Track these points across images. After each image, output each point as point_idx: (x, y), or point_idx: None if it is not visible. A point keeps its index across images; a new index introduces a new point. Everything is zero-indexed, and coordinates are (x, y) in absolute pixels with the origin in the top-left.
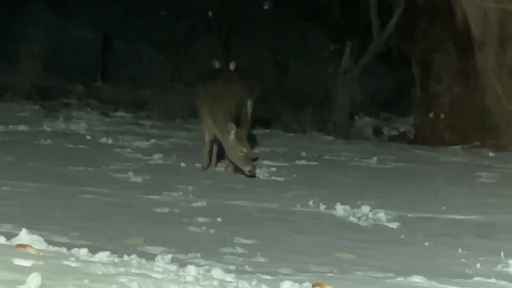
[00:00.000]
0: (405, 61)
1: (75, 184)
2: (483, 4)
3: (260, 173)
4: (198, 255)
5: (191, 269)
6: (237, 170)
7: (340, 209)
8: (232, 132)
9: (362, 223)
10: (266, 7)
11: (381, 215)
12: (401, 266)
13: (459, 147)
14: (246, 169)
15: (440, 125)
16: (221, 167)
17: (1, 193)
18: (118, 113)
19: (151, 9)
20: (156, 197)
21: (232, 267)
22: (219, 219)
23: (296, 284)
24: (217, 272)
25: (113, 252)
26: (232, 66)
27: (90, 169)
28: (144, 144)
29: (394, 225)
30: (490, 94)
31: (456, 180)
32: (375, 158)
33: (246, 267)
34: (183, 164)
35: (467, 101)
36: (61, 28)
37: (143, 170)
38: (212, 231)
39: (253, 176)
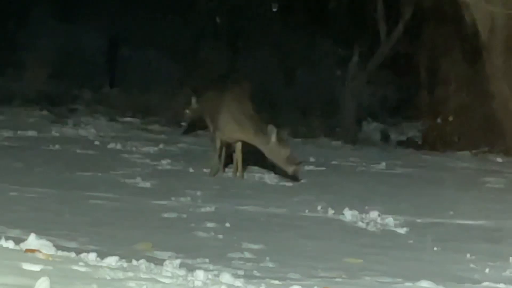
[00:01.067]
0: (413, 67)
1: (83, 189)
2: (491, 10)
3: (269, 178)
4: (207, 260)
5: (200, 274)
6: (281, 172)
7: (348, 214)
8: (274, 135)
9: (370, 228)
10: (274, 10)
11: (390, 220)
12: (410, 271)
13: (467, 152)
14: (290, 169)
15: (448, 130)
16: (228, 172)
17: (10, 199)
18: (126, 119)
19: (158, 15)
20: (165, 202)
21: (240, 272)
22: (227, 224)
23: None
24: (226, 277)
25: (121, 257)
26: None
27: (98, 174)
28: (152, 149)
29: (402, 230)
30: (498, 99)
31: (464, 185)
32: (383, 164)
33: (255, 272)
34: (191, 170)
35: (474, 106)
36: (69, 35)
37: (152, 176)
38: (221, 236)
39: (296, 178)
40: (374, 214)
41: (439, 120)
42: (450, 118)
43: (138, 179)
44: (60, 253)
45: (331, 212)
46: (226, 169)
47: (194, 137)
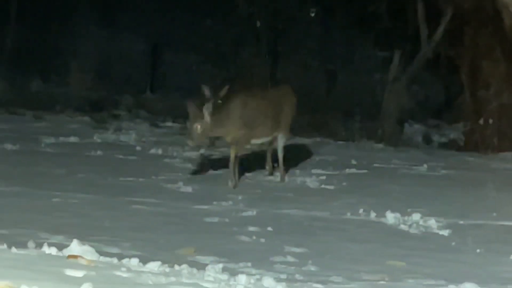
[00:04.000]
0: (454, 68)
1: (125, 195)
2: None
3: (310, 182)
4: (249, 264)
5: (242, 278)
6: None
7: (390, 217)
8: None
9: (412, 230)
10: (312, 15)
11: (432, 222)
12: (453, 273)
13: (509, 153)
14: None
15: (490, 132)
16: (269, 176)
17: (53, 205)
18: (167, 124)
19: (198, 19)
20: (206, 207)
21: (283, 276)
22: (269, 228)
23: None
24: (268, 281)
25: (163, 262)
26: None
27: (140, 179)
28: (193, 154)
29: (445, 233)
30: None
31: (507, 186)
32: (425, 166)
33: (297, 276)
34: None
35: None
36: (110, 41)
37: (193, 180)
38: (263, 240)
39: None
40: (416, 217)
41: (481, 122)
42: (490, 120)
43: (180, 184)
44: (102, 258)
45: (373, 215)
46: (266, 173)
47: None
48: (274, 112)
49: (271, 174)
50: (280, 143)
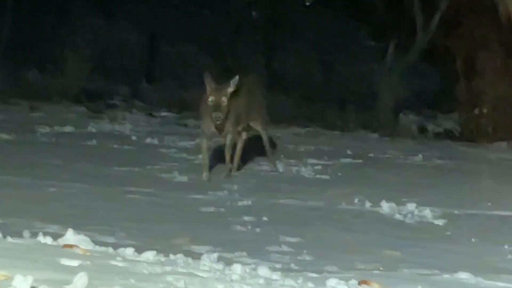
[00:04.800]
0: (450, 58)
1: (121, 184)
2: None
3: (305, 171)
4: (244, 253)
5: (237, 268)
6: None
7: (385, 207)
8: None
9: (408, 220)
10: (308, 4)
11: (427, 212)
12: (447, 263)
13: (505, 143)
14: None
15: (485, 122)
16: (265, 165)
17: (48, 195)
18: (163, 114)
19: (195, 10)
20: (202, 196)
21: (278, 266)
22: (264, 218)
23: (342, 282)
24: (263, 271)
25: (159, 251)
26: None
27: (135, 169)
28: (189, 144)
29: (440, 222)
30: None
31: (502, 176)
32: (420, 156)
33: (292, 265)
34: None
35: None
36: (107, 31)
37: (189, 170)
38: (258, 229)
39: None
40: (411, 206)
41: (476, 112)
42: (485, 110)
43: (175, 174)
44: (98, 248)
45: (368, 204)
46: (262, 163)
47: None
48: (246, 103)
49: (230, 171)
50: (264, 137)
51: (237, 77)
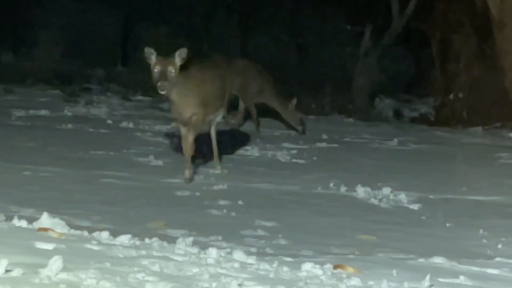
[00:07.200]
0: (425, 43)
1: (96, 168)
2: None
3: (281, 155)
4: (219, 237)
5: (212, 252)
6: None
7: (361, 191)
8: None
9: (383, 204)
10: None
11: (402, 196)
12: (422, 248)
13: (479, 128)
14: (300, 128)
15: (460, 106)
16: (241, 150)
17: (23, 178)
18: (138, 97)
19: None
20: (177, 180)
21: (253, 250)
22: (240, 202)
23: (318, 266)
24: (239, 255)
25: (134, 235)
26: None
27: (111, 153)
28: (164, 128)
29: (415, 207)
30: (510, 75)
31: (477, 161)
32: (395, 140)
33: (268, 249)
34: (204, 148)
35: (486, 82)
36: (81, 13)
37: (164, 154)
38: (233, 214)
39: (303, 132)
40: (386, 191)
41: (451, 96)
42: (461, 95)
43: (151, 158)
44: (73, 231)
45: (343, 189)
46: (244, 149)
47: None
48: (220, 87)
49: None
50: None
51: (184, 49)
